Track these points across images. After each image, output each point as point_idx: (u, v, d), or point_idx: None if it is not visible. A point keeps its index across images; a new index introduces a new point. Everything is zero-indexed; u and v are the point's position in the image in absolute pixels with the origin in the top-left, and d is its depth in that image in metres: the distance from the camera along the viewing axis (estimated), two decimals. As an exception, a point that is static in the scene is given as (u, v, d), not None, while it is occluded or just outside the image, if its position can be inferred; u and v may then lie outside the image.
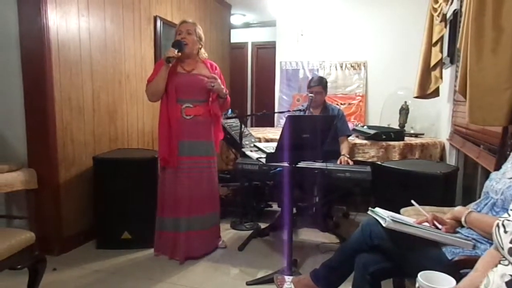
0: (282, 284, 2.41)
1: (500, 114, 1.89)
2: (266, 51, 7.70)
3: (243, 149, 3.41)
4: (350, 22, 5.52)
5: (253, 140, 4.04)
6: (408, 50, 4.69)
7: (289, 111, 4.68)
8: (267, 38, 7.57)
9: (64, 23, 3.06)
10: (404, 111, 4.66)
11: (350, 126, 4.30)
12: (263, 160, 2.66)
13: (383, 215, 1.80)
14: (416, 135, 4.54)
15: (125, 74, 3.78)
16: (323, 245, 3.31)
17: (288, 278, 2.42)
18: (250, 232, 3.59)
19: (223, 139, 3.44)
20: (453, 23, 3.68)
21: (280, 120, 5.73)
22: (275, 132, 4.56)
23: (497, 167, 1.92)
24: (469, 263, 1.43)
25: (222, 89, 3.04)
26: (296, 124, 2.49)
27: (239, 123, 3.77)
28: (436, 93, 3.78)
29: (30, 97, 2.97)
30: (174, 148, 2.98)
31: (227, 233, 3.66)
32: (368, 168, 3.08)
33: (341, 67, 5.60)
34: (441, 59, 3.58)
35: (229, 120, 4.05)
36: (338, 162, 3.53)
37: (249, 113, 7.76)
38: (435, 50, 3.58)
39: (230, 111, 4.39)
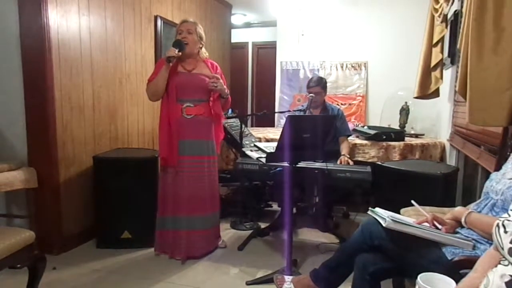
0: (281, 284, 2.41)
1: (500, 114, 1.89)
2: (266, 51, 7.70)
3: (243, 149, 3.41)
4: (350, 22, 5.52)
5: (253, 140, 4.04)
6: (409, 50, 4.68)
7: (289, 111, 4.68)
8: (267, 38, 7.56)
9: (65, 22, 3.06)
10: (405, 111, 4.66)
11: (351, 126, 4.30)
12: (263, 160, 2.66)
13: (383, 215, 1.80)
14: (416, 136, 4.53)
15: (125, 74, 3.78)
16: (323, 245, 3.31)
17: (288, 278, 2.42)
18: (250, 232, 3.59)
19: (223, 139, 3.44)
20: (454, 23, 3.67)
21: (281, 120, 5.73)
22: (275, 132, 4.56)
23: (497, 168, 1.92)
24: (469, 263, 1.42)
25: (224, 89, 3.04)
26: (296, 124, 2.49)
27: (239, 123, 3.77)
28: (436, 93, 3.78)
29: (30, 96, 2.97)
30: (174, 147, 2.98)
31: (227, 232, 3.66)
32: (368, 168, 3.08)
33: (342, 67, 5.60)
34: (442, 59, 3.58)
35: (229, 120, 4.05)
36: (338, 162, 3.53)
37: (249, 113, 7.76)
38: (436, 50, 3.58)
39: (230, 111, 4.40)
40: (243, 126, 3.75)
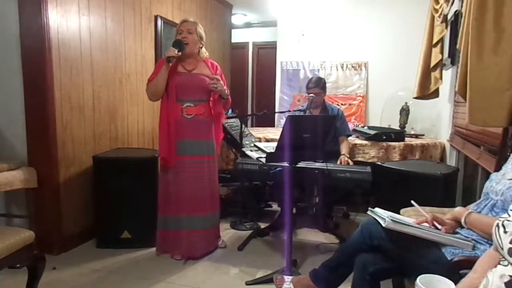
0: (281, 284, 2.41)
1: (500, 115, 1.88)
2: (267, 51, 7.70)
3: (243, 149, 3.41)
4: (351, 22, 5.52)
5: (253, 140, 4.04)
6: (409, 51, 4.68)
7: (289, 111, 4.67)
8: (268, 38, 7.56)
9: (65, 22, 3.06)
10: (405, 111, 4.66)
11: (351, 126, 4.30)
12: (263, 160, 2.66)
13: (382, 215, 1.80)
14: (416, 136, 4.53)
15: (125, 74, 3.78)
16: (323, 245, 3.31)
17: (287, 278, 2.42)
18: (250, 232, 3.59)
19: (223, 139, 3.44)
20: (454, 24, 3.67)
21: (281, 120, 5.73)
22: (275, 132, 4.55)
23: (497, 168, 1.92)
24: (469, 263, 1.42)
25: (224, 90, 3.04)
26: (296, 124, 2.49)
27: (239, 123, 3.77)
28: (435, 94, 3.77)
29: (30, 96, 2.97)
30: (173, 147, 2.98)
31: (227, 232, 3.66)
32: (368, 169, 3.08)
33: (342, 67, 5.60)
34: (441, 60, 3.57)
35: (229, 120, 4.05)
36: (338, 162, 3.53)
37: (249, 113, 7.75)
38: (435, 51, 3.57)
39: (230, 111, 4.39)
40: (243, 126, 3.75)
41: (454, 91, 3.54)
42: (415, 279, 1.35)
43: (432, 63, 3.60)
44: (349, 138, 3.94)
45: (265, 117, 5.35)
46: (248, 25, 7.75)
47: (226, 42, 6.26)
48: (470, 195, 3.25)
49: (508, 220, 1.27)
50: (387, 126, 4.63)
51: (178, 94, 2.97)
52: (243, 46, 7.98)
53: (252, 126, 7.07)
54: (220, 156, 3.96)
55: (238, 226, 3.79)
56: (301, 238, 3.56)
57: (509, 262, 1.21)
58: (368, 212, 1.93)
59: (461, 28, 2.24)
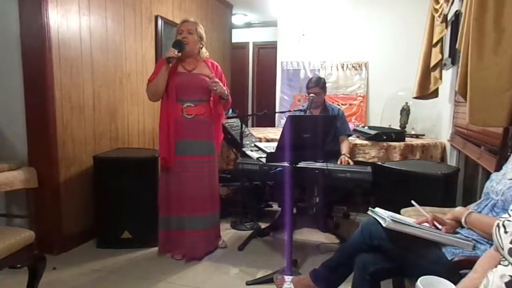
0: (281, 284, 2.41)
1: (500, 115, 1.88)
2: (267, 51, 7.70)
3: (243, 149, 3.41)
4: (351, 22, 5.52)
5: (253, 140, 4.04)
6: (410, 51, 4.67)
7: (289, 111, 4.67)
8: (268, 38, 7.56)
9: (65, 22, 3.06)
10: (405, 111, 4.66)
11: (351, 126, 4.30)
12: (264, 160, 2.66)
13: (383, 215, 1.80)
14: (417, 136, 4.53)
15: (126, 73, 3.78)
16: (323, 245, 3.31)
17: (288, 278, 2.42)
18: (250, 232, 3.59)
19: (224, 139, 3.44)
20: (455, 24, 3.67)
21: (281, 120, 5.73)
22: (275, 132, 4.55)
23: (498, 168, 1.92)
24: (469, 263, 1.42)
25: (224, 90, 3.03)
26: (297, 124, 2.49)
27: (239, 123, 3.77)
28: (435, 94, 3.77)
29: (30, 95, 2.97)
30: (172, 147, 2.98)
31: (227, 232, 3.66)
32: (369, 169, 3.08)
33: (342, 67, 5.60)
34: (441, 60, 3.57)
35: (229, 120, 4.05)
36: (339, 162, 3.53)
37: (250, 113, 7.75)
38: (435, 51, 3.57)
39: (231, 111, 4.39)
40: (243, 126, 3.75)
41: (455, 91, 3.54)
42: (416, 279, 1.35)
43: (432, 63, 3.60)
44: (350, 138, 3.94)
45: (265, 117, 5.36)
46: (249, 25, 7.75)
47: (227, 42, 6.26)
48: (470, 195, 3.25)
49: (509, 220, 1.27)
50: (387, 126, 4.63)
51: (178, 94, 2.97)
52: (243, 46, 7.98)
53: (252, 126, 7.07)
54: (221, 156, 3.97)
55: (239, 226, 3.79)
56: (302, 238, 3.56)
57: (509, 262, 1.21)
58: (369, 212, 1.93)
59: (461, 28, 2.24)
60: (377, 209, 1.90)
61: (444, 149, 4.01)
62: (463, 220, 1.73)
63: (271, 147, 2.67)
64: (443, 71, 3.74)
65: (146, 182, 3.23)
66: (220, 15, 5.91)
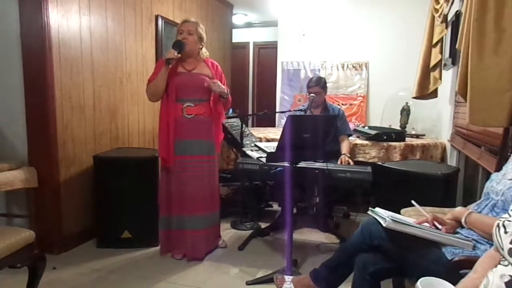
0: (282, 284, 2.41)
1: (500, 115, 1.89)
2: (267, 51, 7.70)
3: (243, 149, 3.41)
4: (352, 22, 5.51)
5: (254, 139, 4.04)
6: (410, 51, 4.67)
7: (290, 111, 4.67)
8: (268, 38, 7.56)
9: (65, 22, 3.06)
10: (405, 112, 4.65)
11: (351, 126, 4.30)
12: (264, 160, 2.66)
13: (383, 215, 1.80)
14: (417, 136, 4.53)
15: (126, 73, 3.79)
16: (323, 245, 3.31)
17: (288, 278, 2.42)
18: (250, 231, 3.59)
19: (224, 138, 3.44)
20: (455, 24, 3.67)
21: (281, 120, 5.72)
22: (276, 132, 4.55)
23: (498, 168, 1.92)
24: (469, 263, 1.42)
25: (223, 89, 3.03)
26: (297, 124, 2.49)
27: (240, 123, 3.76)
28: (434, 94, 3.78)
29: (30, 95, 2.97)
30: (171, 147, 2.98)
31: (227, 232, 3.66)
32: (369, 169, 3.08)
33: (343, 67, 5.59)
34: (441, 60, 3.57)
35: (230, 120, 4.04)
36: (339, 162, 3.53)
37: (250, 112, 7.75)
38: (435, 51, 3.57)
39: (231, 110, 4.39)
40: (243, 126, 3.75)
41: (455, 91, 3.54)
42: (416, 279, 1.35)
43: (432, 63, 3.60)
44: (350, 138, 3.93)
45: (265, 117, 5.35)
46: (249, 25, 7.75)
47: (227, 42, 6.26)
48: (470, 195, 3.25)
49: (509, 221, 1.27)
50: (387, 126, 4.62)
51: (178, 94, 2.97)
52: (243, 46, 7.98)
53: (252, 126, 7.07)
54: (221, 156, 3.97)
55: (239, 226, 3.79)
56: (302, 238, 3.56)
57: (509, 262, 1.21)
58: (369, 212, 1.93)
59: (461, 29, 2.24)
60: (377, 209, 1.90)
61: (444, 149, 4.00)
62: (463, 220, 1.73)
63: (271, 147, 2.67)
64: (443, 71, 3.74)
65: (146, 181, 3.23)
66: (220, 15, 5.91)
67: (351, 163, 3.53)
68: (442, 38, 3.52)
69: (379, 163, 3.40)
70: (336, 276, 2.13)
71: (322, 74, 5.52)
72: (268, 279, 2.64)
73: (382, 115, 5.12)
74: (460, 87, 2.13)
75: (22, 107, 3.00)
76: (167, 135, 2.99)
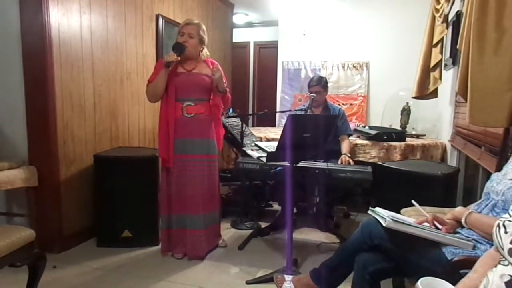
0: (282, 284, 2.41)
1: (501, 115, 1.89)
2: (268, 50, 7.70)
3: (244, 148, 3.41)
4: (352, 22, 5.51)
5: (254, 139, 4.04)
6: (411, 51, 4.66)
7: (290, 110, 4.67)
8: (269, 37, 7.55)
9: (66, 21, 3.06)
10: (406, 112, 4.65)
11: (352, 126, 4.30)
12: (264, 159, 2.66)
13: (383, 215, 1.80)
14: (417, 136, 4.53)
15: (126, 73, 3.79)
16: (323, 245, 3.31)
17: (288, 278, 2.42)
18: (251, 231, 3.59)
19: (224, 138, 3.43)
20: (456, 24, 3.67)
21: (282, 120, 5.72)
22: (276, 132, 4.55)
23: (498, 169, 1.92)
24: (469, 263, 1.42)
25: (222, 80, 3.00)
26: (298, 124, 2.49)
27: (240, 122, 3.77)
28: (434, 94, 3.78)
29: (31, 94, 2.97)
30: (171, 147, 2.98)
31: (228, 232, 3.66)
32: (369, 168, 3.08)
33: (343, 67, 5.60)
34: (441, 60, 3.57)
35: (230, 119, 4.05)
36: (339, 161, 3.53)
37: (250, 112, 7.75)
38: (435, 51, 3.57)
39: (231, 110, 4.39)
40: (244, 125, 3.75)
41: (455, 91, 3.54)
42: (415, 278, 1.35)
43: (432, 63, 3.60)
44: (350, 137, 3.93)
45: (266, 117, 5.37)
46: (250, 24, 7.75)
47: (228, 41, 6.26)
48: (470, 195, 3.25)
49: (509, 221, 1.27)
50: (388, 126, 4.63)
51: (178, 94, 2.97)
52: (244, 45, 7.98)
53: (253, 125, 7.07)
54: (221, 155, 3.96)
55: (239, 226, 3.79)
56: (302, 237, 3.56)
57: (509, 262, 1.22)
58: (369, 212, 1.93)
59: (462, 29, 2.24)
60: (377, 209, 1.90)
61: (444, 149, 4.01)
62: (463, 220, 1.74)
63: (272, 146, 2.66)
64: (444, 72, 3.74)
65: (147, 181, 3.23)
66: (221, 15, 5.91)
67: (352, 163, 3.53)
68: (442, 38, 3.52)
69: (380, 163, 3.40)
70: (336, 275, 2.13)
71: (322, 74, 5.52)
72: (268, 279, 2.64)
73: (383, 115, 5.12)
74: (460, 87, 2.14)
75: (23, 106, 2.99)
76: (167, 135, 2.99)
